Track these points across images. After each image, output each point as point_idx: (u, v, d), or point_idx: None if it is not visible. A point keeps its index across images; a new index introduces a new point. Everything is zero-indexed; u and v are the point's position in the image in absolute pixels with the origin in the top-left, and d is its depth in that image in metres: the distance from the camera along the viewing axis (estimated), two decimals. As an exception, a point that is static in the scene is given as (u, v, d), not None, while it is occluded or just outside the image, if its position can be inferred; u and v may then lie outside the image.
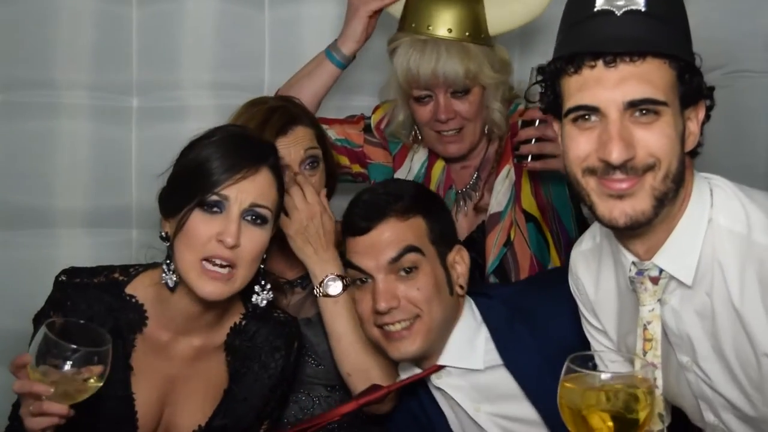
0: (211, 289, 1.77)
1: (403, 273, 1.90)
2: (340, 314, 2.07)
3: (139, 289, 1.87)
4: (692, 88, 1.49)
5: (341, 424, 2.15)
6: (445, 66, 2.25)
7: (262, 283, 1.88)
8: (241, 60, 2.81)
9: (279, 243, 2.17)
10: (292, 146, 2.13)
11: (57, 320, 1.62)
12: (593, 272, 1.73)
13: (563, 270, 1.90)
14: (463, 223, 2.43)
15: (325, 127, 2.40)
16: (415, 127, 2.45)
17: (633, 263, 1.57)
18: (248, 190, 1.78)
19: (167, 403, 1.87)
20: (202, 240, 1.76)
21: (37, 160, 2.69)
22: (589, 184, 1.49)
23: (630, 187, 1.45)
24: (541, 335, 1.90)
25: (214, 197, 1.77)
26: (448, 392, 1.98)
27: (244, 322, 1.93)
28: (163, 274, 1.82)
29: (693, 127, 1.52)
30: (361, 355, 2.06)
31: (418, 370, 1.99)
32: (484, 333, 1.97)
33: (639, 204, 1.46)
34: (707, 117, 1.55)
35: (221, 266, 1.77)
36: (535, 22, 2.90)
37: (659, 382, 1.57)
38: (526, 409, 1.92)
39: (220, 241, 1.75)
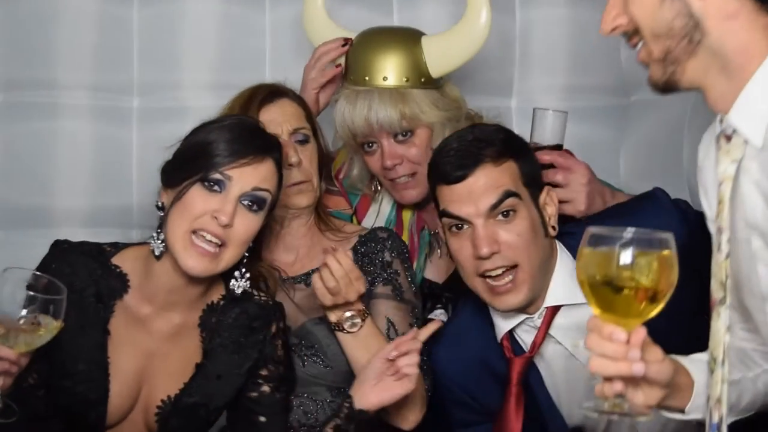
0: (194, 263, 1.80)
1: (501, 217, 1.90)
2: (362, 345, 2.03)
3: (126, 260, 1.91)
4: None
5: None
6: (378, 113, 2.23)
7: (243, 270, 1.90)
8: (241, 61, 2.81)
9: (278, 238, 2.19)
10: (280, 116, 2.12)
11: (17, 269, 1.63)
12: (707, 148, 1.60)
13: (639, 198, 1.93)
14: (440, 265, 2.40)
15: None
16: (376, 180, 2.43)
17: (720, 119, 1.48)
18: (252, 175, 1.82)
19: (145, 380, 1.89)
20: (197, 212, 1.80)
21: (38, 161, 2.70)
22: None
23: None
24: None
25: (217, 176, 1.81)
26: (549, 333, 1.97)
27: (222, 302, 1.95)
28: (152, 241, 1.86)
29: None
30: None
31: (515, 313, 1.98)
32: None
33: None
34: None
35: (209, 243, 1.80)
36: (535, 39, 2.92)
37: (723, 247, 1.45)
38: None
39: (215, 218, 1.79)
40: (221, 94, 2.69)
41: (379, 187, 2.44)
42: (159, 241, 1.85)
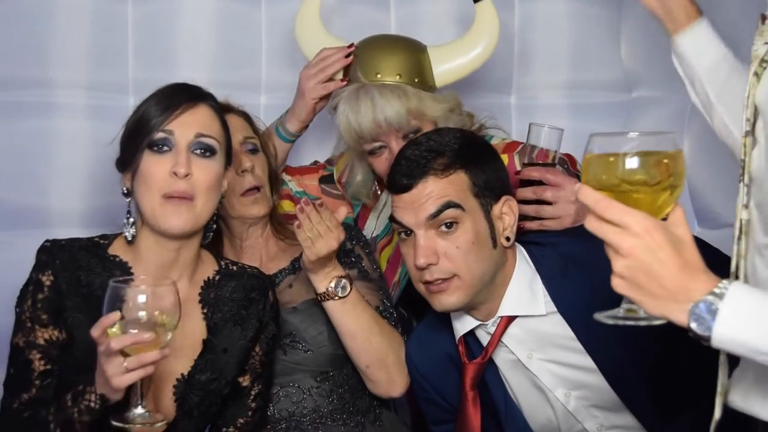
0: (175, 221, 1.86)
1: (444, 228, 1.91)
2: (351, 312, 2.09)
3: (120, 249, 1.97)
4: None
5: (333, 415, 2.18)
6: (384, 109, 2.21)
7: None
8: (238, 58, 2.80)
9: (240, 251, 2.25)
10: (230, 128, 2.12)
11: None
12: None
13: None
14: None
15: (287, 178, 2.43)
16: (376, 185, 2.43)
17: None
18: (190, 123, 1.90)
19: None
20: (158, 177, 1.87)
21: (34, 160, 2.67)
22: None
23: None
24: (596, 281, 1.85)
25: (159, 134, 1.88)
26: (502, 341, 1.99)
27: (217, 277, 2.01)
28: (124, 228, 1.93)
29: None
30: (376, 345, 2.10)
31: (469, 318, 2.01)
32: (539, 280, 1.98)
33: None
34: None
35: (181, 200, 1.86)
36: (535, 35, 2.89)
37: (744, 125, 1.44)
38: (581, 357, 1.94)
39: (174, 173, 1.85)
40: (217, 92, 2.67)
41: (379, 192, 2.45)
42: (129, 226, 1.93)
